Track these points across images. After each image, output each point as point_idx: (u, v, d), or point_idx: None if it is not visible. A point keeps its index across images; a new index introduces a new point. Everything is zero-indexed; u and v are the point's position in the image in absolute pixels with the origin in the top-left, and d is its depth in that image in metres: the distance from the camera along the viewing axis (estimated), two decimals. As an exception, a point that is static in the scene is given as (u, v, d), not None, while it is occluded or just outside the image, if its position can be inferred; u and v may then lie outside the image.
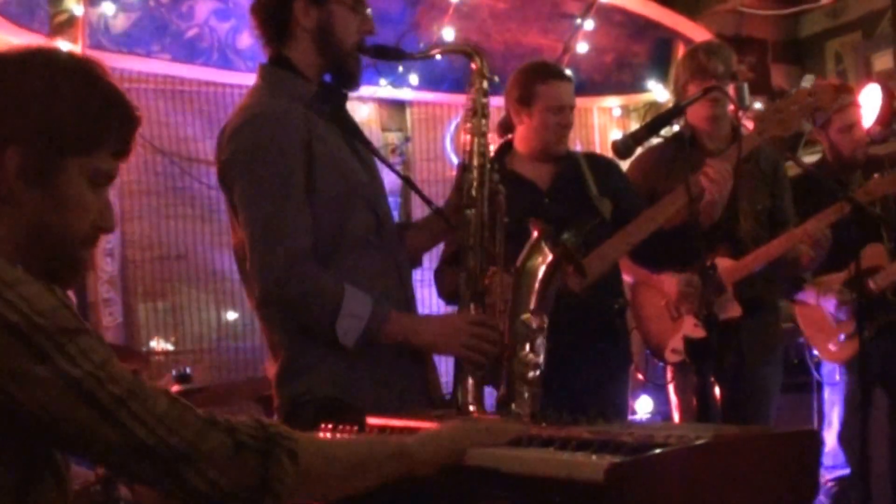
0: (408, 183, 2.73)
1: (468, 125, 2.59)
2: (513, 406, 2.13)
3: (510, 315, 2.27)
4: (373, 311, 2.41)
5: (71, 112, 1.50)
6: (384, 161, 2.67)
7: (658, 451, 1.43)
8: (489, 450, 1.69)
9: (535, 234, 2.27)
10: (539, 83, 3.49)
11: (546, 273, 2.23)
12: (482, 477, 1.67)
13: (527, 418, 2.06)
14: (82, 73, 1.54)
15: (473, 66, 2.60)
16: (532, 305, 2.21)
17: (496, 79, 2.64)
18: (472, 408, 2.40)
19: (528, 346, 2.20)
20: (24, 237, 1.50)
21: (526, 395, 2.16)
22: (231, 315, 5.13)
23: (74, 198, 1.52)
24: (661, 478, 1.42)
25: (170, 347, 5.04)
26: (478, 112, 2.58)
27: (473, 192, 2.53)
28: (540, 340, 2.20)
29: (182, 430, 1.44)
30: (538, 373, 2.18)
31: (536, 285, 2.22)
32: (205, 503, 1.46)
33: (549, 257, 2.23)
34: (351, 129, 2.61)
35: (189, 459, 1.43)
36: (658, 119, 2.97)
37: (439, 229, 2.72)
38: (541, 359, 2.19)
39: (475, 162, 2.55)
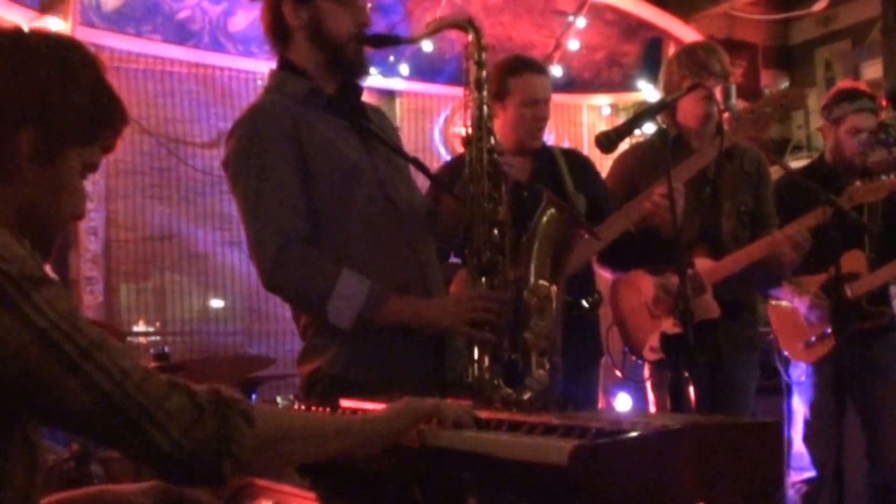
0: (415, 163, 2.73)
1: (468, 97, 2.57)
2: (527, 379, 2.12)
3: (521, 285, 2.26)
4: (369, 292, 2.44)
5: (85, 103, 1.55)
6: (386, 143, 2.67)
7: (623, 435, 1.44)
8: (457, 432, 1.70)
9: (543, 202, 2.27)
10: (512, 77, 3.49)
11: (558, 242, 2.23)
12: (450, 459, 1.69)
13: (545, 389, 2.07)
14: (96, 68, 1.59)
15: (469, 38, 2.59)
16: (545, 274, 2.21)
17: (493, 47, 2.64)
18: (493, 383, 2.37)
19: (539, 317, 2.19)
20: (16, 215, 1.52)
21: (543, 366, 2.15)
22: (213, 298, 5.14)
23: (70, 184, 1.57)
24: (626, 462, 1.42)
25: (151, 329, 5.04)
26: (475, 85, 2.57)
27: (474, 166, 2.53)
28: (552, 309, 2.18)
29: (147, 386, 1.44)
30: (553, 341, 2.17)
31: (549, 252, 2.22)
32: (166, 463, 1.46)
33: (558, 225, 2.23)
34: (353, 118, 2.63)
35: (153, 417, 1.43)
36: (640, 115, 2.97)
37: (456, 213, 2.67)
38: (554, 327, 2.18)
39: (475, 135, 2.54)
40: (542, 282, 2.22)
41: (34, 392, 1.40)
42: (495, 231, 2.48)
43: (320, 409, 2.14)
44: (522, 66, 3.54)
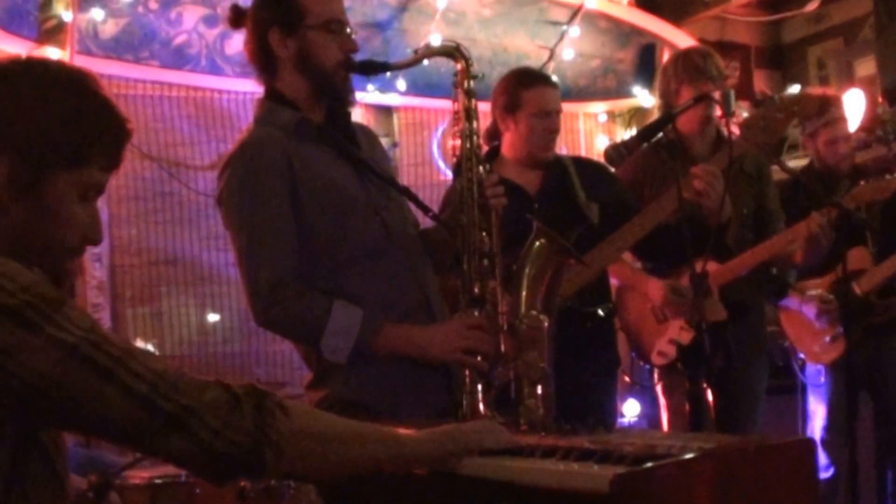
0: (405, 193, 2.73)
1: (456, 129, 2.60)
2: (520, 409, 2.13)
3: (512, 316, 2.28)
4: (362, 324, 2.45)
5: (61, 126, 1.51)
6: (376, 173, 2.67)
7: (662, 461, 1.45)
8: (491, 460, 1.70)
9: (533, 232, 2.29)
10: (524, 89, 3.52)
11: (548, 272, 2.24)
12: (485, 487, 1.69)
13: (538, 420, 2.08)
14: (75, 86, 1.55)
15: (458, 66, 2.61)
16: (536, 305, 2.22)
17: (482, 75, 2.64)
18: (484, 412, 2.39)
19: (531, 347, 2.20)
20: (10, 246, 1.50)
21: (535, 396, 2.16)
22: (220, 319, 5.13)
23: (63, 211, 1.53)
24: (665, 488, 1.44)
25: (160, 353, 5.03)
26: (465, 115, 2.59)
27: (465, 196, 2.55)
28: (544, 339, 2.20)
29: (182, 384, 1.45)
30: (544, 373, 2.18)
31: (539, 282, 2.23)
32: (209, 457, 1.46)
33: (549, 255, 2.24)
34: (344, 147, 2.63)
35: (193, 411, 1.44)
36: (650, 127, 2.99)
37: (443, 239, 2.70)
38: (545, 359, 2.19)
39: (465, 166, 2.57)
40: (532, 311, 2.24)
41: (74, 407, 1.41)
42: (486, 262, 2.50)
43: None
44: (534, 79, 3.59)
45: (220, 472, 1.49)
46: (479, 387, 2.42)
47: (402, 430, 1.73)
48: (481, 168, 2.57)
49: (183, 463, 1.48)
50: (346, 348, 2.45)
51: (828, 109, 4.29)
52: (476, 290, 2.49)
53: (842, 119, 4.33)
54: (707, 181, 3.17)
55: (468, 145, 2.57)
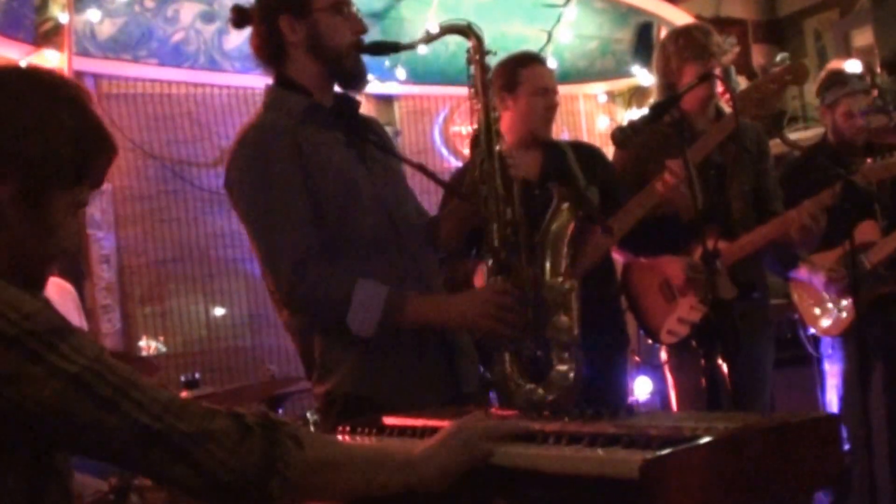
0: (422, 170, 2.73)
1: (474, 102, 2.59)
2: (551, 374, 2.13)
3: (538, 282, 2.28)
4: (388, 297, 2.43)
5: (67, 149, 1.52)
6: (395, 154, 2.67)
7: (690, 444, 1.45)
8: (518, 448, 1.70)
9: (556, 198, 2.29)
10: (522, 68, 3.57)
11: (572, 234, 2.24)
12: (512, 476, 1.68)
13: (569, 385, 2.07)
14: (77, 103, 1.56)
15: (471, 43, 2.61)
16: (560, 272, 2.22)
17: (495, 52, 2.65)
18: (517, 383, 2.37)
19: (560, 311, 2.20)
20: (8, 258, 1.52)
21: (564, 361, 2.16)
22: (230, 315, 5.14)
23: (59, 227, 1.55)
24: (695, 470, 1.44)
25: (172, 352, 5.04)
26: (482, 88, 2.58)
27: (485, 167, 2.54)
28: (572, 302, 2.20)
29: (187, 414, 1.45)
30: (575, 335, 2.18)
31: (564, 248, 2.23)
32: (213, 486, 1.46)
33: (573, 219, 2.25)
34: (357, 135, 2.63)
35: (198, 441, 1.44)
36: (657, 107, 2.98)
37: (465, 213, 2.69)
38: (575, 321, 2.19)
39: (484, 139, 2.56)
40: (559, 278, 2.25)
41: (76, 434, 1.42)
42: (509, 231, 2.49)
43: (365, 430, 2.13)
44: (530, 59, 3.68)
45: (223, 500, 1.49)
46: (508, 356, 2.40)
47: (416, 449, 1.70)
48: (501, 141, 2.57)
49: (186, 490, 1.48)
50: (372, 321, 2.42)
51: (850, 80, 4.27)
52: (502, 258, 2.47)
53: (866, 91, 4.30)
54: (668, 181, 3.21)
55: (486, 117, 2.57)
